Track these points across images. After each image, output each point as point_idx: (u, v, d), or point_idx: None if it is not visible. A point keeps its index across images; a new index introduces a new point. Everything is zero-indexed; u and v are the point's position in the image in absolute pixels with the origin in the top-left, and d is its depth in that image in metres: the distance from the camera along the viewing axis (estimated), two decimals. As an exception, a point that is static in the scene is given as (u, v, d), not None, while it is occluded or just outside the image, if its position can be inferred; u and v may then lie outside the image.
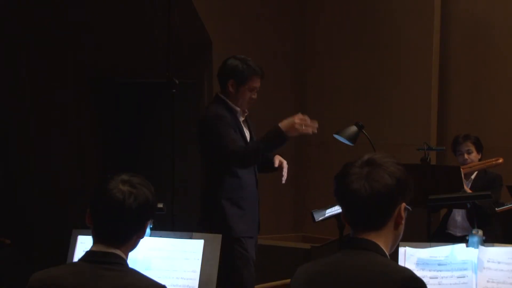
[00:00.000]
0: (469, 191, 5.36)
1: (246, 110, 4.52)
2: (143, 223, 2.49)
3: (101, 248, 2.43)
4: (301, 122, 4.26)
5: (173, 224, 4.85)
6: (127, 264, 2.47)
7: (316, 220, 4.12)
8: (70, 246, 3.14)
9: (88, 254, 2.47)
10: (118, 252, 2.44)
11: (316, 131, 4.34)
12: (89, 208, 2.49)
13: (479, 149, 5.69)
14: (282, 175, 4.49)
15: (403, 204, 2.28)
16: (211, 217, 4.42)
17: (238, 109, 4.45)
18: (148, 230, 3.16)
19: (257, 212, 4.52)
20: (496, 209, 5.47)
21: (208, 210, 4.47)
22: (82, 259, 2.47)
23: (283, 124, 4.29)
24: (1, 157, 6.12)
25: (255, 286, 4.73)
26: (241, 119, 4.51)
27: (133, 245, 2.51)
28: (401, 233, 2.32)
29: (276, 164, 4.52)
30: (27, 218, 6.15)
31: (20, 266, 5.58)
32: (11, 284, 5.40)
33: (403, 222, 2.29)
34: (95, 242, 2.47)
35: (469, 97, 7.50)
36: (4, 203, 6.03)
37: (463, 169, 5.37)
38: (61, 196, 6.12)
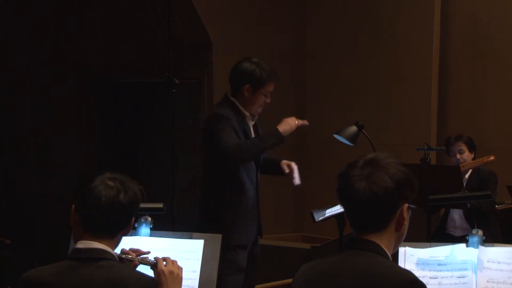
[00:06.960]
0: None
1: (256, 114, 4.44)
2: (131, 218, 2.53)
3: (86, 245, 2.46)
4: (293, 120, 4.41)
5: (173, 224, 4.85)
6: (115, 259, 2.50)
7: (316, 220, 4.13)
8: (70, 246, 3.14)
9: (74, 251, 2.49)
10: (105, 247, 2.46)
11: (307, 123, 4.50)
12: (75, 207, 2.51)
13: (471, 148, 5.70)
14: (293, 177, 4.41)
15: (406, 205, 2.26)
16: (208, 221, 4.38)
17: (247, 113, 4.39)
18: (148, 230, 3.17)
19: (257, 218, 4.46)
20: (496, 206, 5.46)
21: (206, 213, 4.44)
22: (68, 257, 2.49)
23: (280, 126, 4.39)
24: (0, 157, 6.12)
25: (256, 286, 4.73)
26: (251, 123, 4.44)
27: (118, 241, 2.55)
28: (404, 234, 2.31)
29: (286, 170, 4.45)
30: (27, 218, 6.15)
31: (20, 266, 5.58)
32: (12, 284, 5.40)
33: (405, 222, 2.28)
34: (78, 240, 2.49)
35: (469, 97, 7.50)
36: (4, 203, 6.03)
37: None
38: (61, 196, 6.11)
